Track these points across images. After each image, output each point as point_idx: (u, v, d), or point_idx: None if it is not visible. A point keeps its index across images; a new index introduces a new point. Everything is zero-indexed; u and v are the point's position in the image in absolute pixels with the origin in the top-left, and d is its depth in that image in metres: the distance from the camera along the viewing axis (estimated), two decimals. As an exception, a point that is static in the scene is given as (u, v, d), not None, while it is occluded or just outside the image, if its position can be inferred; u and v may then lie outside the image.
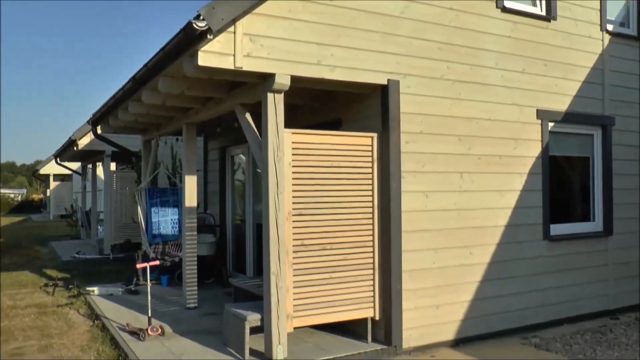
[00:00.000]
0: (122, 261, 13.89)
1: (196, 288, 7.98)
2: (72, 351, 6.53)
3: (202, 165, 11.17)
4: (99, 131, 10.50)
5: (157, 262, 7.11)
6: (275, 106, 5.55)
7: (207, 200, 10.92)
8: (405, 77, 6.27)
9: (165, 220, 9.10)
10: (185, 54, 5.29)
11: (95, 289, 9.34)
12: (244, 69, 5.32)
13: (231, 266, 10.27)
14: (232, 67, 5.27)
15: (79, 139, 14.67)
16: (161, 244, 9.07)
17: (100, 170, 18.51)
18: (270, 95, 5.54)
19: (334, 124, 6.92)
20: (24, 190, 64.63)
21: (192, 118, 7.96)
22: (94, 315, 8.05)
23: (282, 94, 5.61)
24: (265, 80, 5.58)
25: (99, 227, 17.07)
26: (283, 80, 5.47)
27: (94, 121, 9.90)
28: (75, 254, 15.03)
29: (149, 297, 6.83)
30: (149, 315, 6.72)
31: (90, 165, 19.74)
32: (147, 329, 6.49)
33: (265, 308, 5.48)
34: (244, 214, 9.73)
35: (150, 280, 9.39)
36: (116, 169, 17.92)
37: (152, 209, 9.01)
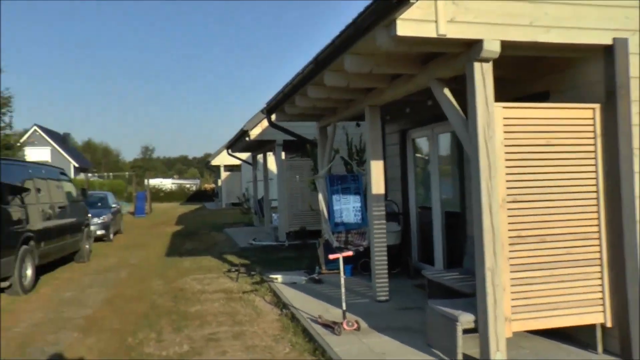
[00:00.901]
0: (298, 248, 14.03)
1: (387, 280, 7.49)
2: (264, 340, 6.42)
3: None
4: (273, 119, 10.53)
5: (351, 253, 6.74)
6: (483, 77, 4.83)
7: (387, 187, 10.44)
8: (634, 34, 5.19)
9: (347, 208, 8.79)
10: (379, 25, 4.77)
11: (279, 277, 9.33)
12: (448, 36, 4.66)
13: (416, 256, 9.70)
14: (435, 35, 4.64)
15: (251, 130, 15.11)
16: (344, 232, 8.78)
17: (271, 160, 19.02)
18: (477, 65, 4.83)
19: (540, 96, 6.00)
20: (198, 181, 70.49)
21: (375, 99, 7.49)
22: (280, 303, 7.98)
23: (491, 63, 4.88)
24: (469, 48, 4.87)
25: (273, 214, 17.53)
26: (492, 47, 4.73)
27: (269, 110, 9.88)
28: (252, 240, 15.52)
29: (343, 289, 6.47)
30: (344, 308, 6.35)
31: (260, 155, 20.43)
32: (342, 323, 6.13)
33: (479, 308, 4.80)
34: (429, 201, 9.10)
35: (333, 270, 9.23)
36: (285, 157, 18.32)
37: (334, 197, 8.74)
